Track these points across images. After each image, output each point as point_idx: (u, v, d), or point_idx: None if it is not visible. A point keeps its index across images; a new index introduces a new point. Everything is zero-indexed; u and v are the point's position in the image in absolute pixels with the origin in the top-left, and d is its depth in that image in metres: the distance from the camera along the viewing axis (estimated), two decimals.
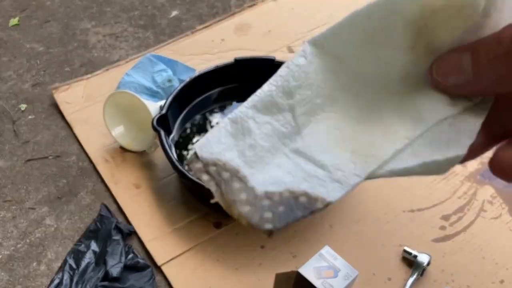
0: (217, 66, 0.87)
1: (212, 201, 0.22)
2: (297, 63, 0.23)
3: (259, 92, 0.23)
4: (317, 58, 0.23)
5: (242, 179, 0.22)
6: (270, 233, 0.22)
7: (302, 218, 0.22)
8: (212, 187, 0.22)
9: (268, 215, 0.22)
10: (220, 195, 0.22)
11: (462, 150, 0.22)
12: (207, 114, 0.89)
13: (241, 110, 0.23)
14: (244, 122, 0.23)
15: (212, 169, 0.22)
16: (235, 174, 0.22)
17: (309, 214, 0.22)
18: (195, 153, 0.23)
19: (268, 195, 0.22)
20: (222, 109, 0.90)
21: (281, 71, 0.23)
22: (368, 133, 0.23)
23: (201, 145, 0.23)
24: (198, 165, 0.23)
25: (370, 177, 0.23)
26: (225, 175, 0.22)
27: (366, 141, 0.23)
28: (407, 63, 0.22)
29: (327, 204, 0.22)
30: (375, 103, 0.23)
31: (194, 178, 0.71)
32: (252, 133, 0.23)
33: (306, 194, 0.22)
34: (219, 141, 0.23)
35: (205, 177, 0.23)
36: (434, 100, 0.22)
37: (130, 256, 0.73)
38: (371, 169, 0.22)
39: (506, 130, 0.23)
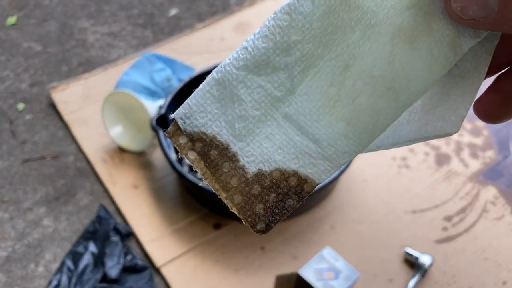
0: (217, 65, 0.86)
1: (201, 183, 0.21)
2: (302, 11, 0.19)
3: (251, 48, 0.20)
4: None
5: (231, 158, 0.21)
6: (262, 233, 0.21)
7: (292, 209, 0.21)
8: (201, 170, 0.21)
9: (260, 209, 0.21)
10: (209, 178, 0.21)
11: (456, 127, 0.21)
12: None
13: (229, 70, 0.20)
14: (234, 88, 0.20)
15: (198, 146, 0.21)
16: (224, 152, 0.21)
17: (299, 203, 0.21)
18: (177, 125, 0.20)
19: (259, 178, 0.21)
20: None
21: (281, 18, 0.20)
22: (367, 94, 0.20)
23: (183, 115, 0.20)
24: (183, 140, 0.21)
25: (360, 153, 0.21)
26: (213, 154, 0.21)
27: (363, 105, 0.20)
28: None
29: (315, 187, 0.21)
30: (377, 46, 0.20)
31: (193, 179, 0.71)
32: (243, 101, 0.20)
33: (296, 174, 0.21)
34: (204, 110, 0.20)
35: (191, 156, 0.21)
36: (440, 43, 0.19)
37: (129, 257, 0.72)
38: (363, 147, 0.21)
39: (499, 64, 0.22)
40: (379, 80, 0.20)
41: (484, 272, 0.72)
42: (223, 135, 0.21)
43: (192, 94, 0.21)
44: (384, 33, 0.20)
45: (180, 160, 0.81)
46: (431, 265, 0.71)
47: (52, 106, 0.94)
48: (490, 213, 0.79)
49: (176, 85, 0.86)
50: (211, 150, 0.21)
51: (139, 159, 0.85)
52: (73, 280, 0.70)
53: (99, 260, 0.72)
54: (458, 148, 0.87)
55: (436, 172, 0.84)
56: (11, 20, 1.11)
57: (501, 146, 0.88)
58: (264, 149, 0.21)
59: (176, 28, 1.09)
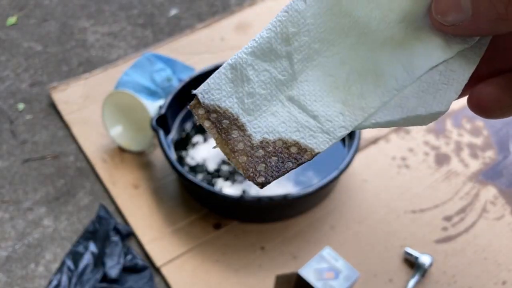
0: (217, 65, 0.86)
1: (213, 147, 0.24)
2: (296, 8, 0.23)
3: (258, 38, 0.24)
4: (316, 1, 0.23)
5: (240, 128, 0.24)
6: (262, 185, 0.23)
7: (290, 170, 0.23)
8: (214, 135, 0.24)
9: (261, 167, 0.23)
10: (220, 143, 0.24)
11: (445, 107, 0.23)
12: None
13: (240, 56, 0.24)
14: (243, 70, 0.24)
15: (213, 116, 0.24)
16: (234, 122, 0.24)
17: (297, 166, 0.24)
18: (197, 99, 0.24)
19: (263, 145, 0.24)
20: None
21: (281, 15, 0.24)
22: (360, 82, 0.24)
23: (203, 91, 0.24)
24: (201, 111, 0.24)
25: (356, 128, 0.24)
26: (225, 122, 0.24)
27: (357, 91, 0.24)
28: (405, 5, 0.23)
29: (315, 155, 0.24)
30: (370, 49, 0.23)
31: (193, 178, 0.71)
32: (251, 81, 0.24)
33: (297, 144, 0.24)
34: (219, 88, 0.24)
35: (207, 123, 0.24)
36: (428, 43, 0.23)
37: (129, 257, 0.72)
38: (358, 122, 0.24)
39: (493, 71, 0.24)
40: (370, 73, 0.24)
41: (484, 271, 0.72)
42: (234, 108, 0.24)
43: (211, 76, 0.24)
44: (376, 40, 0.23)
45: (180, 160, 0.81)
46: (431, 265, 0.71)
47: (52, 106, 0.94)
48: (490, 213, 0.79)
49: (176, 85, 0.86)
50: (223, 120, 0.24)
51: (139, 159, 0.85)
52: (73, 280, 0.70)
53: (99, 260, 0.72)
54: (458, 148, 0.87)
55: (436, 172, 0.84)
56: (11, 20, 1.11)
57: (501, 146, 0.88)
58: (269, 123, 0.24)
59: (176, 28, 1.10)
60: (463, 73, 0.23)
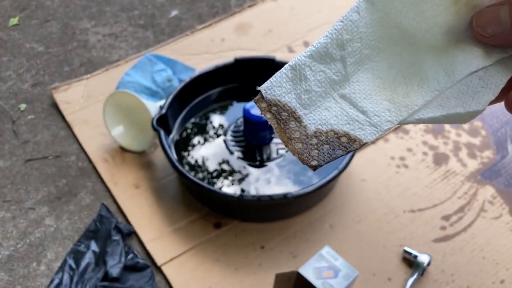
0: (217, 65, 0.87)
1: (273, 135, 0.27)
2: (351, 19, 0.27)
3: (316, 43, 0.27)
4: (368, 13, 0.27)
5: (297, 119, 0.27)
6: (315, 168, 0.26)
7: (340, 156, 0.27)
8: (274, 125, 0.27)
9: (315, 153, 0.27)
10: (279, 131, 0.27)
11: (483, 106, 0.26)
12: (207, 114, 0.89)
13: (300, 58, 0.27)
14: (302, 70, 0.27)
15: (273, 109, 0.27)
16: (292, 114, 0.27)
17: (346, 153, 0.27)
18: (261, 94, 0.27)
19: (317, 134, 0.27)
20: (222, 109, 0.90)
21: (337, 24, 0.27)
22: (405, 84, 0.27)
23: (266, 88, 0.27)
24: (263, 104, 0.27)
25: (400, 123, 0.27)
26: (284, 115, 0.27)
27: (402, 91, 0.27)
28: (449, 19, 0.25)
29: (363, 145, 0.27)
30: (416, 56, 0.27)
31: (193, 178, 0.71)
32: (308, 80, 0.27)
33: (347, 135, 0.27)
34: (280, 85, 0.27)
35: (268, 115, 0.27)
36: (469, 53, 0.25)
37: (130, 256, 0.73)
38: (403, 117, 0.27)
39: None
40: (415, 76, 0.27)
41: (482, 270, 0.73)
42: (292, 103, 0.27)
43: (273, 75, 0.28)
44: (421, 48, 0.26)
45: (180, 160, 0.81)
46: (429, 264, 0.71)
47: (54, 106, 0.94)
48: (488, 213, 0.79)
49: (177, 85, 0.87)
50: (283, 112, 0.27)
51: (140, 159, 0.86)
52: (75, 279, 0.71)
53: (100, 259, 0.73)
54: (456, 148, 0.88)
55: (434, 171, 0.84)
56: (13, 21, 1.11)
57: (499, 146, 0.88)
58: (323, 116, 0.27)
59: (176, 29, 1.10)
60: (501, 78, 0.26)
